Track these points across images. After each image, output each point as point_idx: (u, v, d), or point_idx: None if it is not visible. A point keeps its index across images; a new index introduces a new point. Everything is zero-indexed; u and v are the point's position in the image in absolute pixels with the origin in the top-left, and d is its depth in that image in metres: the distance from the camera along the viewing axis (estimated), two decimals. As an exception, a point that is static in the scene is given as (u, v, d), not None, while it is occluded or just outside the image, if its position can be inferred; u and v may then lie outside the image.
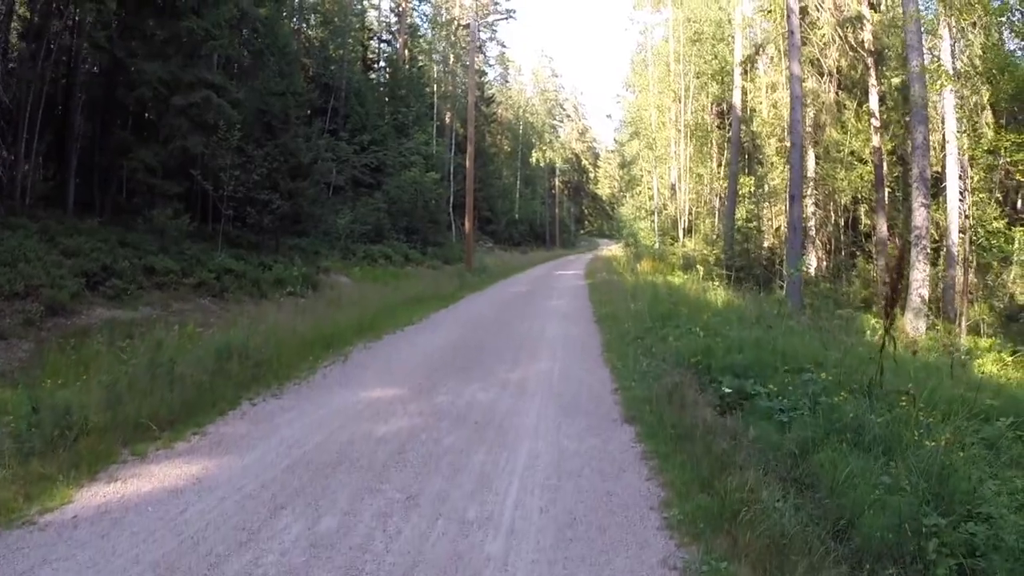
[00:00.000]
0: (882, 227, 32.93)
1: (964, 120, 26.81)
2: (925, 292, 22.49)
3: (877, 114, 33.27)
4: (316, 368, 12.38)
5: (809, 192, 34.64)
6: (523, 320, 19.76)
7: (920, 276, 22.23)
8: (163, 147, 23.16)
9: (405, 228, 42.58)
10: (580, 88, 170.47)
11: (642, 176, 58.51)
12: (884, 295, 8.38)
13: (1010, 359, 17.32)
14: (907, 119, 34.94)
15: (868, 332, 20.57)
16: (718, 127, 49.17)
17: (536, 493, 6.85)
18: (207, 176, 24.07)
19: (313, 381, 11.46)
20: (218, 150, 24.09)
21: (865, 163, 35.16)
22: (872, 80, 33.42)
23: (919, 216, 22.60)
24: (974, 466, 6.47)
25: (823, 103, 34.82)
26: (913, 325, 22.06)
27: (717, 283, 27.49)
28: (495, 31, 72.46)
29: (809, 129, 34.01)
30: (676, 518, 6.23)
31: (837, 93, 35.03)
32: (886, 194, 33.76)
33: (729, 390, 9.54)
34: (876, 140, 33.26)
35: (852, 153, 35.30)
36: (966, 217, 23.33)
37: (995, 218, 23.77)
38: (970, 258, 27.88)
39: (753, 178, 42.59)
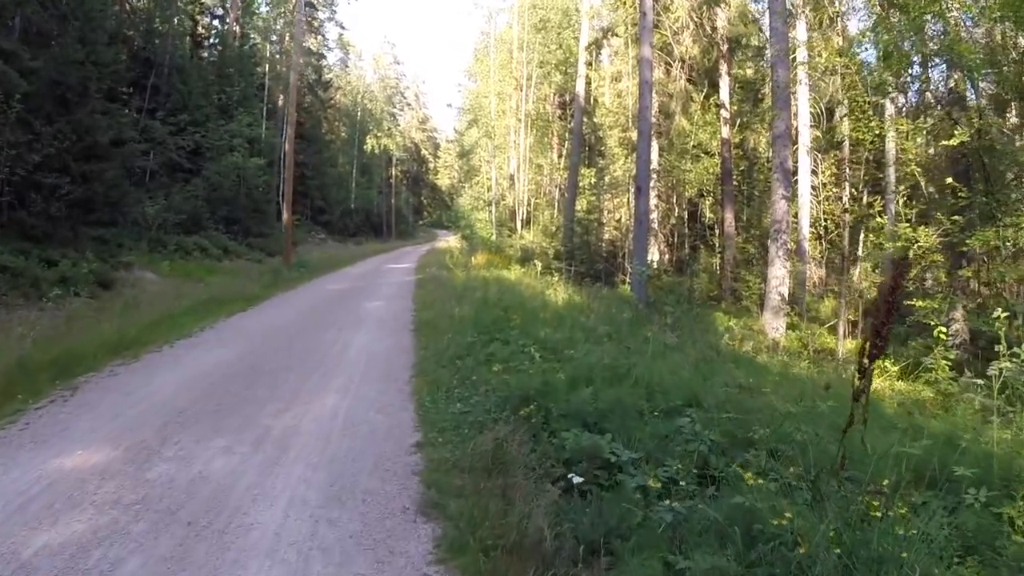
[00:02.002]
0: (730, 221, 31.11)
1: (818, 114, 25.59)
2: (785, 290, 20.72)
3: (727, 105, 31.27)
4: (24, 412, 8.65)
5: (653, 184, 32.17)
6: (327, 329, 16.01)
7: (780, 273, 20.48)
8: (-68, 123, 19.10)
9: (225, 218, 38.30)
10: (422, 77, 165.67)
11: (481, 166, 56.36)
12: (863, 339, 4.85)
13: (894, 369, 14.85)
14: (756, 112, 33.34)
15: (726, 336, 18.30)
16: (560, 118, 47.60)
17: None
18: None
19: (2, 438, 7.70)
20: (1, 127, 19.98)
21: (711, 155, 33.21)
22: (723, 70, 31.34)
23: (779, 209, 20.53)
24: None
25: (672, 92, 32.38)
26: (773, 325, 20.22)
27: (557, 278, 25.08)
28: (335, 11, 68.57)
29: (655, 119, 31.53)
30: None
31: (688, 82, 32.58)
32: (733, 187, 31.83)
33: (580, 478, 6.08)
34: (725, 132, 31.40)
35: (698, 145, 33.26)
36: (846, 211, 21.19)
37: (879, 213, 21.73)
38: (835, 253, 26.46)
39: (594, 170, 40.82)
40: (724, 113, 31.34)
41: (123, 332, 13.68)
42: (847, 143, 24.73)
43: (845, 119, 24.30)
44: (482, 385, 9.44)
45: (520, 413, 7.74)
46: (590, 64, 38.96)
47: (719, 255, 34.39)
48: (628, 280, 30.58)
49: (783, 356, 16.76)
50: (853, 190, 26.03)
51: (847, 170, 25.80)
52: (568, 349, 10.92)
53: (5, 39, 21.19)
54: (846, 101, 23.86)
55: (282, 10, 56.16)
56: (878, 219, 20.85)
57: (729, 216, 31.09)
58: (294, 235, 45.80)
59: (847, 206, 22.19)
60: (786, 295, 20.55)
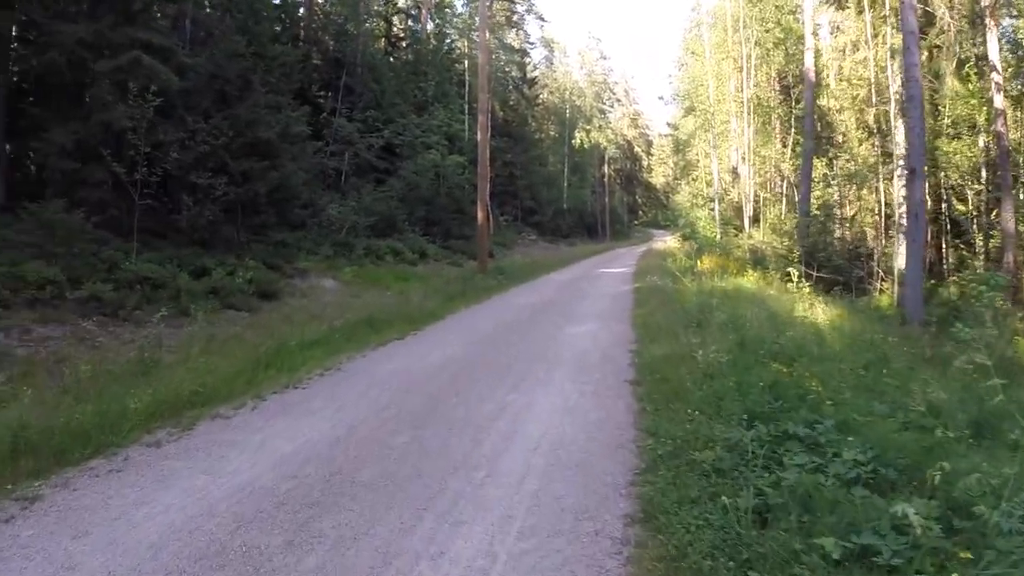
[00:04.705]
0: (1009, 215, 23.93)
1: None
2: None
3: (998, 67, 24.14)
4: None
5: (899, 171, 25.87)
6: (499, 379, 10.14)
7: None
8: (83, 124, 17.14)
9: (424, 219, 34.42)
10: (631, 72, 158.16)
11: (698, 160, 50.68)
12: None
13: None
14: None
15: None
16: (782, 102, 40.76)
17: None
18: (120, 157, 17.08)
19: None
20: (140, 124, 17.09)
21: (975, 132, 26.23)
22: (990, 22, 24.26)
23: None
24: None
25: (939, 44, 25.37)
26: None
27: (806, 288, 19.02)
28: (532, 3, 65.74)
29: (899, 91, 25.19)
30: None
31: (959, 32, 25.48)
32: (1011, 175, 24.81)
33: None
34: (999, 101, 24.23)
35: (956, 122, 26.46)
36: None
37: None
38: None
39: (825, 159, 34.26)
40: (995, 77, 24.28)
41: (207, 375, 9.57)
42: None
43: None
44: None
45: None
46: (816, 35, 32.97)
47: (983, 257, 27.51)
48: (882, 288, 25.60)
49: None
50: None
51: None
52: (977, 499, 4.65)
53: (159, 35, 18.84)
54: None
55: (477, 3, 52.79)
56: None
57: (1008, 209, 24.08)
58: (502, 236, 41.66)
59: None
60: None
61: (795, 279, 17.62)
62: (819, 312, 15.72)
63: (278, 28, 31.71)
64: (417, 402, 8.85)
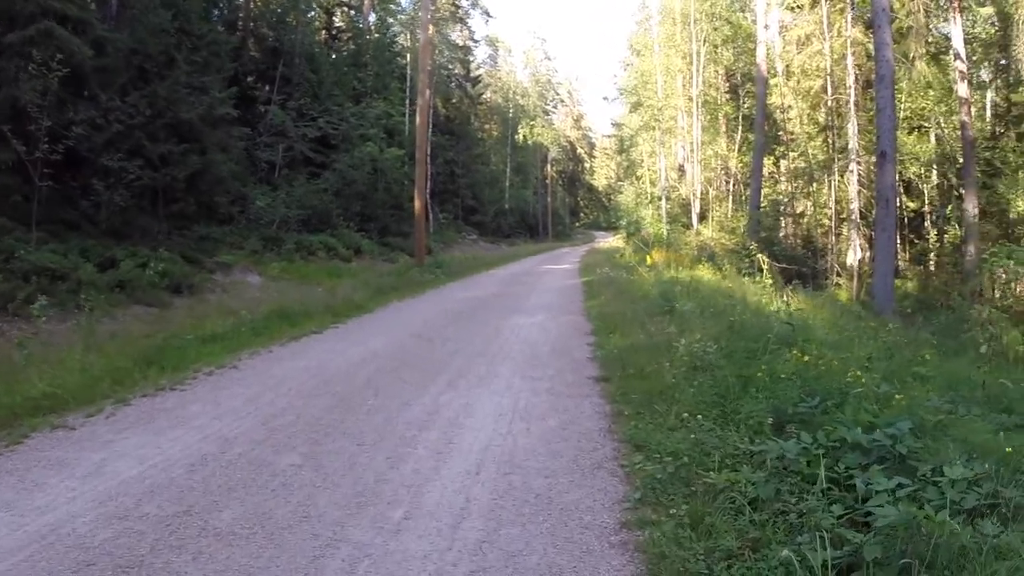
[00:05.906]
0: (972, 205, 23.27)
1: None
2: None
3: (963, 55, 23.16)
4: None
5: (852, 166, 25.72)
6: (426, 384, 7.77)
7: None
8: (-15, 101, 15.71)
9: (359, 214, 32.63)
10: (575, 74, 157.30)
11: (643, 159, 49.98)
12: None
13: None
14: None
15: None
16: (728, 100, 40.88)
17: None
18: (24, 136, 15.30)
19: None
20: (44, 99, 15.55)
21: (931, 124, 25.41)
22: (955, 3, 23.41)
23: None
24: None
25: (909, 28, 24.19)
26: None
27: (767, 278, 18.53)
28: None
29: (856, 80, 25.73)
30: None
31: (927, 15, 24.34)
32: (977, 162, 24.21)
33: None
34: (963, 90, 23.43)
35: (912, 115, 25.57)
36: None
37: None
38: None
39: (772, 158, 34.31)
40: (959, 65, 23.42)
41: (75, 374, 7.61)
42: None
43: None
44: None
45: None
46: (767, 27, 31.71)
47: (936, 248, 27.79)
48: (838, 283, 25.10)
49: None
50: None
51: None
52: None
53: (74, 7, 17.15)
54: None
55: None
56: None
57: (971, 199, 23.06)
58: (442, 235, 40.48)
59: None
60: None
61: (764, 267, 16.28)
62: (789, 302, 14.27)
63: (216, 14, 30.39)
64: (322, 407, 6.84)
